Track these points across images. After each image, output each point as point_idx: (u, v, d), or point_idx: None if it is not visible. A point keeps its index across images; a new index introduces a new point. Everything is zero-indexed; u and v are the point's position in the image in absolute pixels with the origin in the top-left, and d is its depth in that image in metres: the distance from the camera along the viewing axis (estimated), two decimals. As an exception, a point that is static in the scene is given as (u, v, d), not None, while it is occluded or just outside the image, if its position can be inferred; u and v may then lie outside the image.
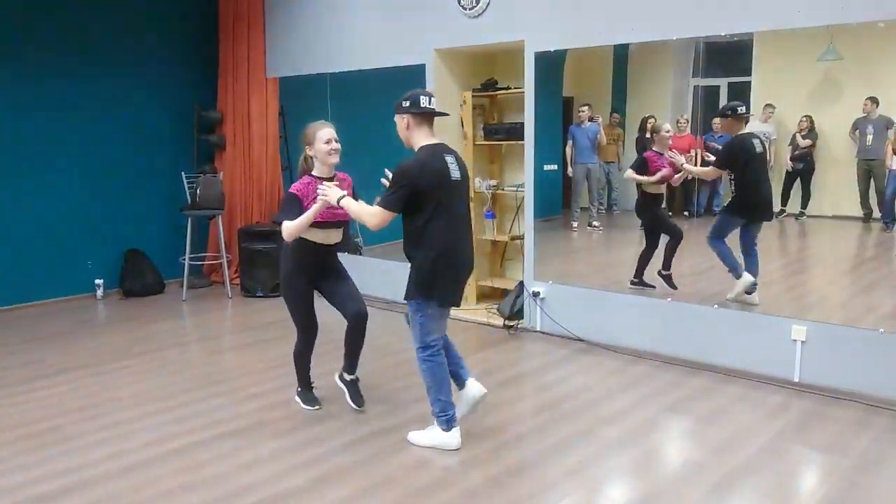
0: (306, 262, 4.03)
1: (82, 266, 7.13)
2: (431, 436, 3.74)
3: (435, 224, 3.51)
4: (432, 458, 3.63)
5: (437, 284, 3.56)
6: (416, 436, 3.79)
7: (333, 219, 3.95)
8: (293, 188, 3.96)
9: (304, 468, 3.55)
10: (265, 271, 7.15)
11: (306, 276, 4.06)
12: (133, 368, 5.08)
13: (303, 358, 4.29)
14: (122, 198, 7.35)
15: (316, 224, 3.87)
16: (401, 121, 3.61)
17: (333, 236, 4.07)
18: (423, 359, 3.68)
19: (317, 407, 4.27)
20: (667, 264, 5.62)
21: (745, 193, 5.33)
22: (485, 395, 3.86)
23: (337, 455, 3.69)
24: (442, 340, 3.73)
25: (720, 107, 5.50)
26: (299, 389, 4.36)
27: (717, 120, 5.98)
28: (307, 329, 4.19)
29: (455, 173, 3.57)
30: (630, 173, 5.77)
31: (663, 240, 5.72)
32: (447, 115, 3.72)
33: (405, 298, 3.66)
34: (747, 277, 5.18)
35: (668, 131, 5.66)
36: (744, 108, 5.22)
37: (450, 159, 3.57)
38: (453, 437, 3.71)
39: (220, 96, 7.77)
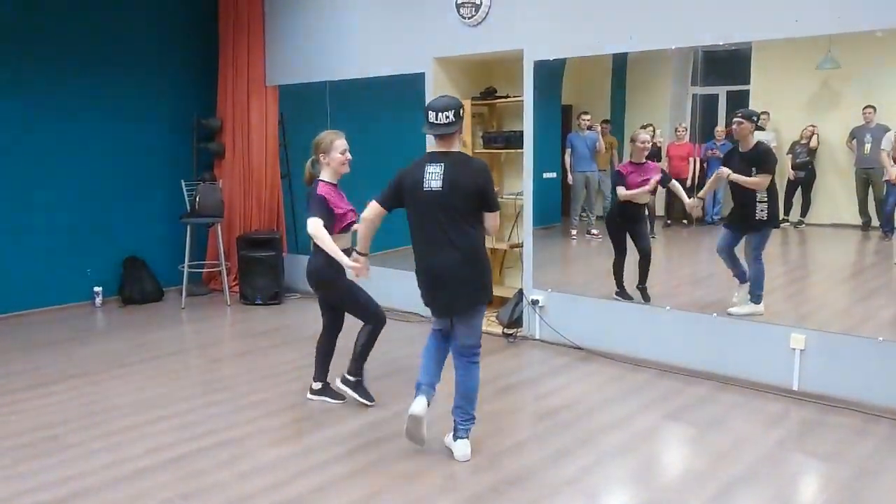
0: (336, 262, 4.14)
1: (81, 274, 7.12)
2: None
3: (413, 233, 3.64)
4: (433, 467, 3.62)
5: (421, 293, 3.72)
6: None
7: (353, 222, 4.21)
8: (322, 191, 4.14)
9: (304, 476, 3.54)
10: (264, 279, 7.15)
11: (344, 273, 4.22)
12: (132, 376, 5.07)
13: (368, 348, 4.37)
14: (121, 205, 7.35)
15: (345, 228, 4.20)
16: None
17: (349, 239, 4.27)
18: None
19: (373, 402, 4.38)
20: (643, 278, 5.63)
21: (776, 200, 5.22)
22: (416, 424, 3.70)
23: (337, 463, 3.68)
24: (443, 329, 3.78)
25: (738, 111, 5.18)
26: (357, 379, 4.41)
27: (719, 128, 6.00)
28: (380, 312, 4.33)
29: (433, 183, 3.50)
30: (624, 192, 5.67)
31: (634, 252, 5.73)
32: (450, 130, 3.55)
33: None
34: (761, 306, 5.11)
35: (643, 141, 5.65)
36: (757, 117, 5.21)
37: (432, 168, 3.52)
38: (413, 405, 3.66)
39: (219, 104, 7.78)
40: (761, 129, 5.38)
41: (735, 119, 5.11)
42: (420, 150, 6.12)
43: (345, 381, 4.40)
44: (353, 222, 4.18)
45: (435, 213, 3.52)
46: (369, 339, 4.35)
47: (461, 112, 3.57)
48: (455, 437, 3.72)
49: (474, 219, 3.56)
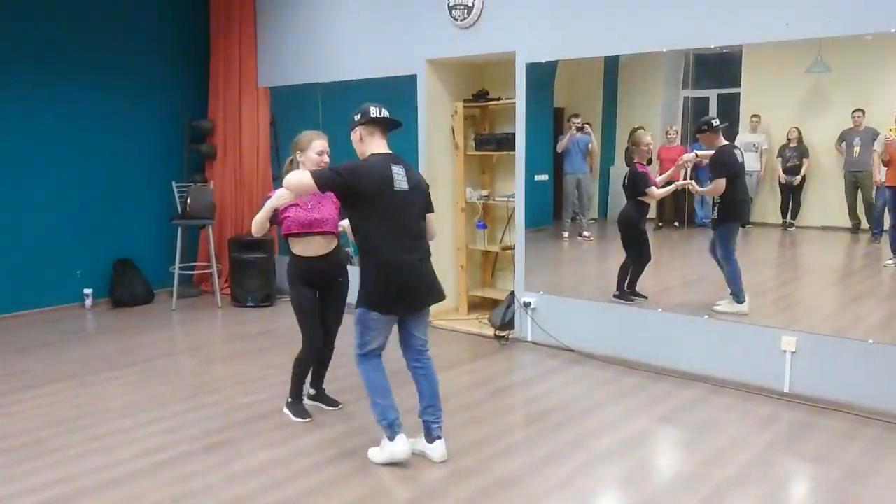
0: (299, 269, 4.11)
1: (71, 275, 7.08)
2: (384, 450, 3.67)
3: (378, 233, 3.50)
4: (422, 470, 3.62)
5: (379, 295, 3.53)
6: (372, 452, 3.72)
7: (310, 229, 4.03)
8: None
9: (293, 479, 3.53)
10: (255, 281, 7.13)
11: (302, 282, 4.12)
12: (122, 379, 5.05)
13: (303, 367, 4.27)
14: (111, 207, 7.32)
15: (294, 234, 4.05)
16: (354, 135, 3.63)
17: (315, 246, 4.07)
18: (360, 364, 3.68)
19: (308, 419, 4.25)
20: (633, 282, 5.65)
21: (740, 199, 5.36)
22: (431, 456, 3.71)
23: (327, 466, 3.67)
24: (383, 346, 3.67)
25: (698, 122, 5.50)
26: (290, 400, 4.34)
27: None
28: (311, 339, 4.16)
29: (402, 184, 3.51)
30: (657, 192, 5.68)
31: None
32: (400, 124, 3.64)
33: (356, 303, 3.62)
34: (746, 306, 5.19)
35: (647, 143, 5.67)
36: (717, 121, 5.31)
37: (397, 169, 3.53)
38: (397, 446, 3.60)
39: (211, 106, 7.76)
40: (736, 133, 5.52)
41: (697, 134, 5.39)
42: (410, 153, 6.18)
43: (309, 396, 4.44)
44: (309, 230, 4.05)
45: (408, 215, 3.56)
46: (297, 359, 4.26)
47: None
48: (432, 439, 3.69)
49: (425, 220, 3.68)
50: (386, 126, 3.61)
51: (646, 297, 5.57)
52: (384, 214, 3.48)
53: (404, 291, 3.55)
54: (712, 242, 5.37)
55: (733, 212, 5.36)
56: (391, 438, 3.62)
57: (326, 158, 4.01)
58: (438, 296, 3.70)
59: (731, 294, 5.23)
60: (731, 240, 5.33)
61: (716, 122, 5.30)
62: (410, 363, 3.73)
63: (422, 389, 3.70)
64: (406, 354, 3.73)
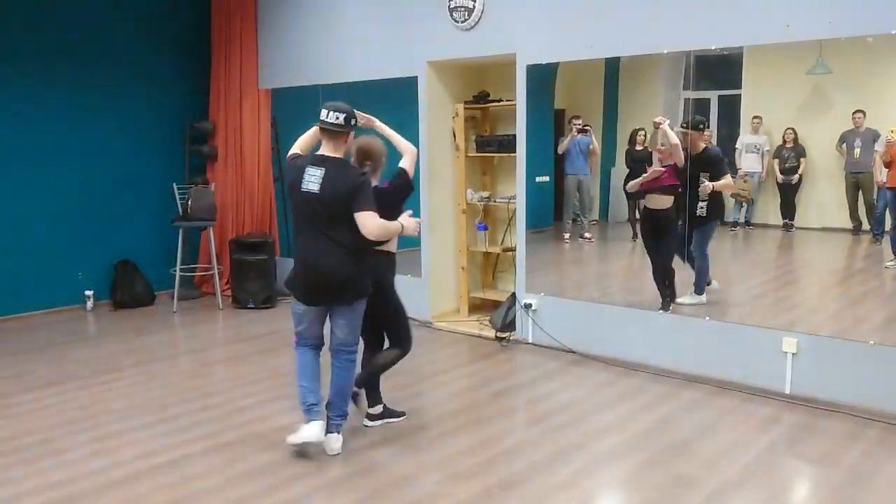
0: (392, 271, 4.16)
1: (72, 277, 7.08)
2: (297, 430, 3.80)
3: (293, 227, 3.83)
4: (424, 472, 3.62)
5: (289, 282, 3.82)
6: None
7: None
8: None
9: (294, 481, 3.53)
10: (256, 282, 7.13)
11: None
12: (123, 381, 5.05)
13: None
14: (112, 208, 7.32)
15: None
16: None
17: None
18: (294, 348, 3.94)
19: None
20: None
21: (720, 197, 5.49)
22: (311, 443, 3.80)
23: (328, 468, 3.67)
24: (311, 340, 3.86)
25: (689, 119, 5.48)
26: (385, 405, 4.26)
27: (707, 132, 6.02)
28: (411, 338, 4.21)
29: (310, 185, 3.62)
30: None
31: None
32: (341, 130, 3.66)
33: None
34: (704, 296, 5.41)
35: (662, 145, 5.68)
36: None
37: (313, 171, 3.63)
38: (307, 429, 3.73)
39: (212, 107, 7.76)
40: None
41: (691, 130, 5.41)
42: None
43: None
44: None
45: (314, 217, 3.66)
46: (389, 363, 4.20)
47: (352, 121, 3.71)
48: (328, 430, 3.80)
49: (350, 223, 3.63)
50: (330, 129, 3.67)
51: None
52: (294, 211, 3.78)
53: (302, 285, 3.77)
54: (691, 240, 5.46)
55: (721, 210, 5.51)
56: (306, 421, 3.76)
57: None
58: (333, 297, 3.73)
59: (694, 286, 5.42)
60: (711, 236, 5.48)
61: (687, 124, 5.42)
62: (330, 358, 3.86)
63: (330, 383, 3.85)
64: (330, 348, 3.86)
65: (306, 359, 3.87)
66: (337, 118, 3.64)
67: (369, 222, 3.60)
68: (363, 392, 4.18)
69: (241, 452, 3.85)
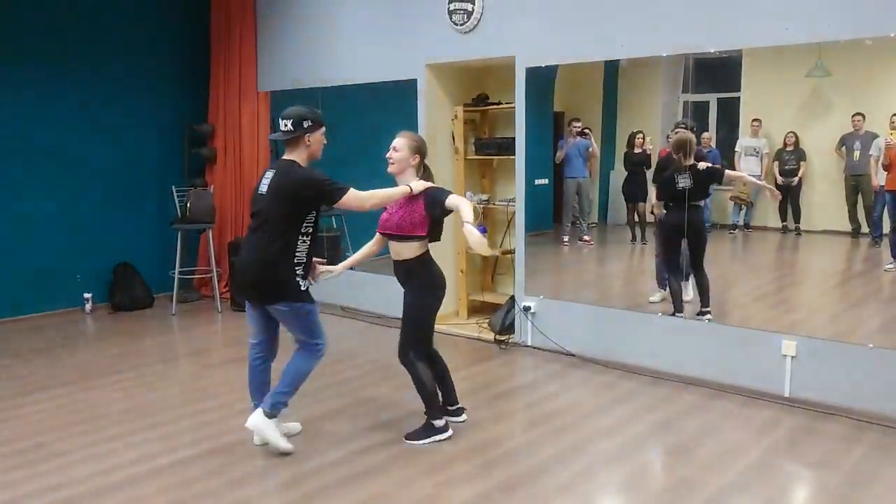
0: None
1: (71, 280, 7.08)
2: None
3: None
4: (424, 475, 3.61)
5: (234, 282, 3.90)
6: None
7: (386, 230, 3.97)
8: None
9: (293, 485, 3.52)
10: (256, 285, 7.11)
11: None
12: (122, 384, 5.04)
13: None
14: (111, 211, 7.32)
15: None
16: None
17: (395, 249, 3.96)
18: None
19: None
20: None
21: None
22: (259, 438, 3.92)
23: (327, 471, 3.66)
24: (256, 339, 4.02)
25: (678, 122, 5.56)
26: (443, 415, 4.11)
27: (707, 135, 6.03)
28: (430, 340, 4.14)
29: (262, 187, 3.73)
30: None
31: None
32: (284, 138, 3.75)
33: None
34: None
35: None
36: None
37: (267, 174, 3.76)
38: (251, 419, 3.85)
39: (211, 109, 7.76)
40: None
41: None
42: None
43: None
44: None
45: (255, 213, 3.75)
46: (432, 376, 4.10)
47: (303, 123, 3.70)
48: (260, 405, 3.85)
49: (288, 223, 3.65)
50: (283, 139, 3.76)
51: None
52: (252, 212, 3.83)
53: (234, 278, 3.82)
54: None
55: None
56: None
57: (391, 153, 3.96)
58: (255, 294, 3.82)
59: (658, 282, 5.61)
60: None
61: (685, 125, 5.48)
62: None
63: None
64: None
65: (255, 361, 4.03)
66: (285, 126, 3.70)
67: (350, 198, 3.66)
68: (459, 406, 4.24)
69: (241, 455, 3.84)
